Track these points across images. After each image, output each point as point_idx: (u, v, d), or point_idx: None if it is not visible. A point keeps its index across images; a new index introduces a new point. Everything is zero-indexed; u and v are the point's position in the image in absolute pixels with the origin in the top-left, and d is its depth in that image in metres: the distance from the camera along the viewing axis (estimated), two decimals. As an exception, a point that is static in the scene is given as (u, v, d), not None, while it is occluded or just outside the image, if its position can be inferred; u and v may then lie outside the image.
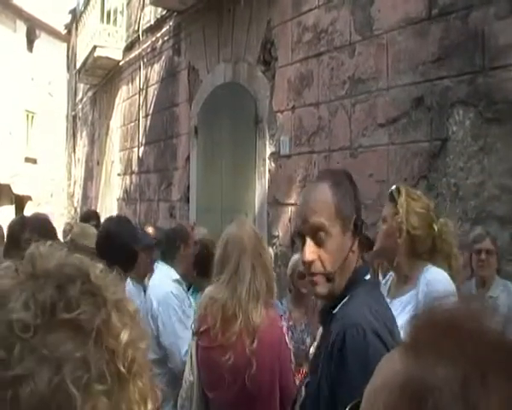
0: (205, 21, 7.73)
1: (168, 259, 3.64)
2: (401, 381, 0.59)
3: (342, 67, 5.14)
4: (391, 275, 2.67)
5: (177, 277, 3.56)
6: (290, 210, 5.81)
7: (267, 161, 6.23)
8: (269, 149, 6.21)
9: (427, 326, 0.62)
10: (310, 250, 1.62)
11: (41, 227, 3.02)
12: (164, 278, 3.54)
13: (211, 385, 2.53)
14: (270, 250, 6.00)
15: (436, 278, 2.33)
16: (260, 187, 6.35)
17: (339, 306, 1.61)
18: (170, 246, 3.69)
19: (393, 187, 2.54)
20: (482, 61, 3.90)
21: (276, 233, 6.03)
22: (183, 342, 3.17)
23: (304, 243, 1.64)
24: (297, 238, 1.80)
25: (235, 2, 6.91)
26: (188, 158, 8.34)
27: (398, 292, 2.45)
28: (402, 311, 2.27)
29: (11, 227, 3.12)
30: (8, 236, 3.12)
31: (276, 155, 6.10)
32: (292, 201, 5.78)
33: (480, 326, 0.60)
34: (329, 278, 1.62)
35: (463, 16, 4.05)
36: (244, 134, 6.65)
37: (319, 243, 1.61)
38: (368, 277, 1.70)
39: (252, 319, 2.39)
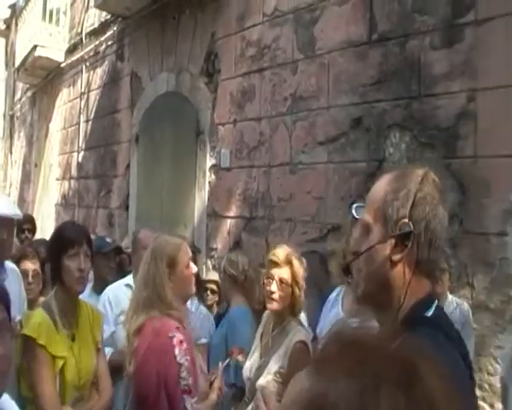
0: (149, 28, 7.67)
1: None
2: (307, 397, 0.62)
3: (284, 83, 5.21)
4: (342, 288, 2.66)
5: (129, 281, 3.65)
6: (229, 223, 5.83)
7: (207, 172, 6.23)
8: (209, 162, 6.21)
9: (331, 345, 0.66)
10: (354, 240, 1.42)
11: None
12: (118, 283, 3.74)
13: None
14: (209, 262, 6.03)
15: None
16: (200, 199, 6.33)
17: None
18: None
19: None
20: (418, 88, 4.04)
21: (215, 245, 6.03)
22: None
23: None
24: None
25: (180, 10, 6.90)
26: (128, 166, 8.23)
27: (360, 312, 2.45)
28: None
29: None
30: None
31: (216, 168, 6.11)
32: (231, 213, 5.80)
33: (378, 343, 0.64)
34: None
35: (401, 43, 4.18)
36: (185, 145, 6.62)
37: (363, 238, 1.38)
38: (431, 311, 1.34)
39: (130, 327, 2.54)
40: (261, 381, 2.78)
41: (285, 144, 5.14)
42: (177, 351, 2.43)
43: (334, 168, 4.62)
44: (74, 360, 2.58)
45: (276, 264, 2.89)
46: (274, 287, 2.86)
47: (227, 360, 3.06)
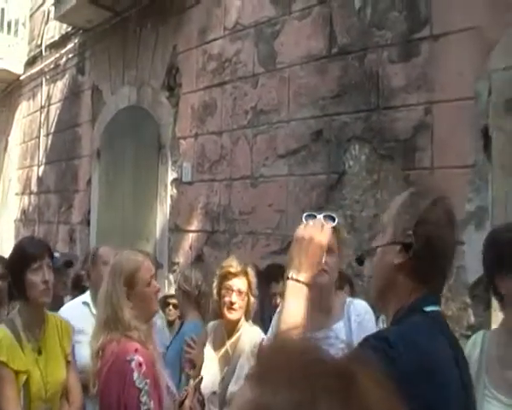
0: (110, 41, 7.62)
1: None
2: (250, 408, 0.63)
3: (245, 97, 5.22)
4: None
5: (86, 299, 3.61)
6: (191, 237, 5.79)
7: (169, 186, 6.19)
8: (171, 175, 6.18)
9: (273, 356, 0.67)
10: (375, 240, 1.62)
11: None
12: (75, 301, 3.72)
13: None
14: (171, 277, 5.97)
15: (364, 309, 2.37)
16: (162, 213, 6.29)
17: None
18: None
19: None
20: (376, 101, 4.09)
21: (177, 260, 5.98)
22: None
23: None
24: None
25: (141, 24, 6.87)
26: (89, 180, 8.13)
27: (323, 323, 2.40)
28: (334, 342, 2.27)
29: None
30: None
31: (178, 182, 6.07)
32: (193, 228, 5.76)
33: (318, 353, 0.65)
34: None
35: (360, 57, 4.23)
36: (147, 159, 6.58)
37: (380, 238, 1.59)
38: (431, 308, 1.50)
39: (93, 348, 2.50)
40: (233, 388, 2.77)
41: (246, 158, 5.14)
42: (135, 375, 2.35)
43: (295, 181, 4.64)
44: (40, 372, 2.60)
45: (234, 275, 3.01)
46: (234, 298, 2.98)
47: (199, 377, 3.03)
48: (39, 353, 2.65)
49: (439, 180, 3.67)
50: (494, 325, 2.96)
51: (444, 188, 3.57)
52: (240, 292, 3.00)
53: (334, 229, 2.42)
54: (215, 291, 3.10)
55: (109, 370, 2.40)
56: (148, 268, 2.60)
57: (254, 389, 0.65)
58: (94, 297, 3.49)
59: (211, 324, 3.27)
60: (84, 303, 3.58)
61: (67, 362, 2.77)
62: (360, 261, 1.70)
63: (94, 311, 3.43)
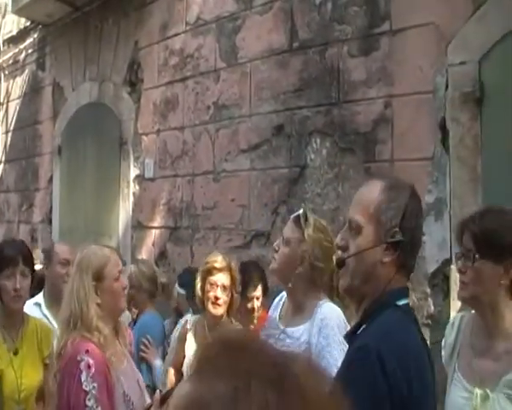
0: (71, 37, 7.50)
1: None
2: (185, 402, 0.63)
3: (207, 92, 5.20)
4: (283, 296, 2.64)
5: (39, 300, 3.48)
6: (154, 233, 5.74)
7: (131, 183, 6.13)
8: (133, 172, 6.11)
9: (211, 350, 0.68)
10: (340, 236, 1.61)
11: None
12: (28, 303, 3.44)
13: None
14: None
15: (330, 315, 2.32)
16: (124, 210, 6.22)
17: (361, 328, 1.55)
18: None
19: (301, 211, 2.48)
20: (337, 95, 4.12)
21: (140, 257, 5.91)
22: None
23: None
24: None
25: (102, 19, 6.78)
26: (51, 178, 7.99)
27: (292, 322, 2.42)
28: (294, 343, 2.28)
29: None
30: None
31: (140, 178, 6.02)
32: (156, 224, 5.72)
33: (254, 346, 0.66)
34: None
35: (321, 51, 4.26)
36: (108, 156, 6.50)
37: (352, 235, 1.57)
38: (402, 302, 1.56)
39: (56, 349, 2.47)
40: None
41: (208, 153, 5.13)
42: (83, 377, 2.25)
43: (257, 175, 4.64)
44: (14, 373, 2.60)
45: (218, 270, 3.02)
46: (219, 293, 3.00)
47: (169, 389, 2.99)
48: (15, 353, 2.65)
49: (399, 172, 3.71)
50: (453, 313, 3.01)
51: (403, 180, 3.63)
52: (224, 287, 3.01)
53: (298, 222, 2.43)
54: (198, 286, 3.08)
55: (63, 370, 2.35)
56: (116, 263, 2.53)
57: (191, 383, 0.65)
58: (48, 297, 3.43)
59: (191, 319, 3.27)
60: (36, 304, 3.43)
61: (45, 365, 2.76)
62: (340, 264, 1.65)
63: (45, 312, 3.38)
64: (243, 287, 3.21)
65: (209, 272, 3.04)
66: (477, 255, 1.83)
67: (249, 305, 3.40)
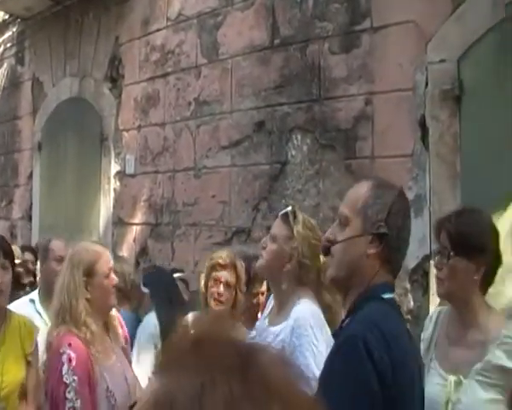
0: (51, 31, 7.41)
1: None
2: (152, 400, 0.62)
3: (188, 88, 5.18)
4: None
5: (34, 296, 3.47)
6: (135, 230, 5.72)
7: (112, 179, 6.08)
8: (114, 168, 6.07)
9: (177, 344, 0.67)
10: (330, 230, 1.68)
11: None
12: (23, 299, 3.54)
13: None
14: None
15: (304, 314, 2.30)
16: (105, 206, 6.18)
17: (347, 320, 1.59)
18: None
19: (289, 208, 2.46)
20: (318, 91, 4.13)
21: (121, 253, 5.88)
22: None
23: None
24: None
25: (83, 13, 6.72)
26: (31, 174, 7.90)
27: (275, 320, 2.41)
28: (273, 341, 2.28)
29: None
30: None
31: (121, 174, 5.98)
32: (136, 220, 5.69)
33: (218, 338, 0.66)
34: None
35: (302, 48, 4.27)
36: (89, 152, 6.44)
37: (340, 229, 1.64)
38: (388, 295, 1.61)
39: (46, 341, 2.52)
40: None
41: (189, 149, 5.11)
42: (64, 369, 2.29)
43: (238, 172, 4.64)
44: None
45: (222, 266, 2.95)
46: (221, 289, 2.92)
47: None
48: None
49: (379, 169, 3.73)
50: (432, 308, 3.03)
51: (384, 176, 3.65)
52: (228, 284, 2.92)
53: (286, 219, 2.42)
54: (202, 283, 3.03)
55: (48, 363, 2.42)
56: (107, 260, 2.57)
57: (158, 379, 0.65)
58: (43, 293, 3.41)
59: (190, 315, 3.20)
60: (31, 300, 3.44)
61: (28, 362, 2.69)
62: (325, 252, 1.73)
63: (39, 308, 3.37)
64: (248, 282, 3.13)
65: (213, 268, 2.98)
66: (452, 253, 1.94)
67: (254, 300, 3.32)
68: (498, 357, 1.82)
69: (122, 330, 2.72)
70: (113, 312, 2.71)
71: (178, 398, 0.59)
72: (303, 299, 2.36)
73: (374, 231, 1.56)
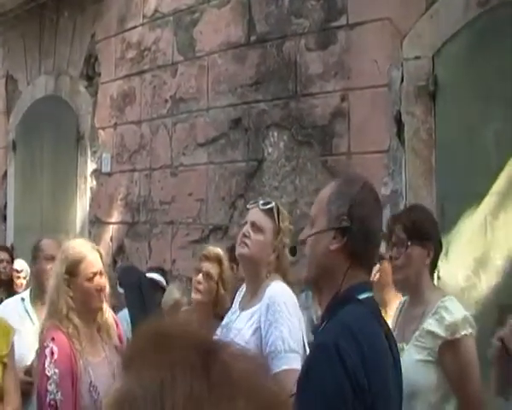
0: (25, 29, 7.32)
1: None
2: (115, 397, 0.62)
3: (164, 86, 5.15)
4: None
5: (25, 295, 3.48)
6: (112, 229, 5.67)
7: (88, 178, 6.03)
8: (90, 167, 6.02)
9: (139, 342, 0.67)
10: (302, 232, 1.70)
11: None
12: (15, 297, 3.61)
13: None
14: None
15: (277, 292, 2.35)
16: (81, 205, 6.12)
17: (323, 325, 1.58)
18: None
19: (273, 204, 2.49)
20: (295, 88, 4.13)
21: (98, 253, 5.84)
22: None
23: None
24: None
25: (58, 12, 6.64)
26: (5, 174, 7.80)
27: (247, 305, 2.44)
28: (246, 323, 2.32)
29: None
30: None
31: (97, 173, 5.92)
32: (113, 219, 5.64)
33: (180, 334, 0.66)
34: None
35: (278, 45, 4.26)
36: (65, 150, 6.37)
37: (309, 229, 1.66)
38: (364, 295, 1.58)
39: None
40: None
41: (166, 147, 5.08)
42: (47, 362, 2.35)
43: (215, 169, 4.63)
44: None
45: (206, 258, 3.03)
46: (200, 277, 2.98)
47: None
48: None
49: (356, 165, 3.74)
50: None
51: (361, 173, 3.66)
52: (208, 276, 2.96)
53: (270, 213, 2.46)
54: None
55: (38, 357, 2.52)
56: (92, 263, 2.52)
57: (121, 377, 0.65)
58: (34, 293, 3.41)
59: (182, 310, 3.33)
60: (22, 299, 3.46)
61: (4, 364, 2.67)
62: (293, 252, 1.80)
63: (28, 307, 3.38)
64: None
65: (200, 259, 3.09)
66: (409, 242, 2.21)
67: None
68: (430, 324, 2.12)
69: (117, 329, 2.71)
70: (108, 311, 2.69)
71: (139, 396, 0.59)
72: (275, 280, 2.42)
73: (336, 225, 1.55)
